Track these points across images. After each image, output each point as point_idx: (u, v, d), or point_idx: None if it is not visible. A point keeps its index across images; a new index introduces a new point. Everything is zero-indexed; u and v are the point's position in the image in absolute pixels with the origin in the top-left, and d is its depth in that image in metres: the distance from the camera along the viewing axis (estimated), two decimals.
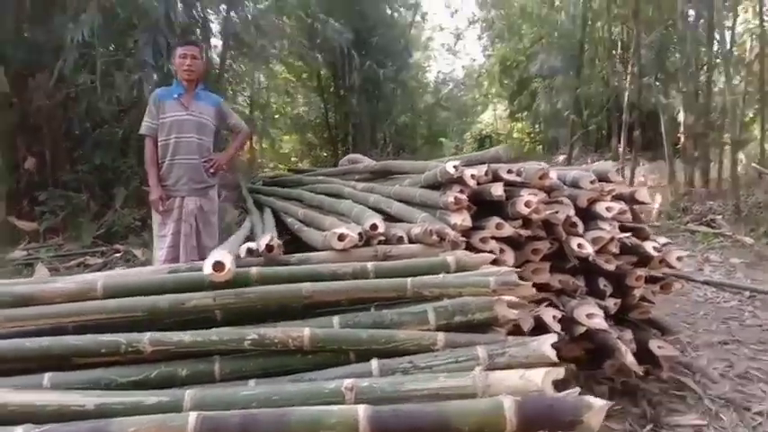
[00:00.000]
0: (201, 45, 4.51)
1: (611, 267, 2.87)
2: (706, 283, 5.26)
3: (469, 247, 2.72)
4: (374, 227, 2.64)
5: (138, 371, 1.81)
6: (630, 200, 3.00)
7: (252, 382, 1.84)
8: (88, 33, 5.96)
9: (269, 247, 2.39)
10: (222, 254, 1.97)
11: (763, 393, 2.92)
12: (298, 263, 2.50)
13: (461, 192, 2.81)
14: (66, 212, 6.79)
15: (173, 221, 3.91)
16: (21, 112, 6.86)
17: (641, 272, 2.93)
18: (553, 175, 2.98)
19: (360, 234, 2.61)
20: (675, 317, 4.22)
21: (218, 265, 1.94)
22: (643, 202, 2.99)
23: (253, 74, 18.10)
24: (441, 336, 1.96)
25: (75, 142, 7.22)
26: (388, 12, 17.03)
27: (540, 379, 1.71)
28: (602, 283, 2.93)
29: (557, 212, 2.81)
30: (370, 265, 2.29)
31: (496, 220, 2.74)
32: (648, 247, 2.89)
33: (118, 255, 6.22)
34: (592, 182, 2.92)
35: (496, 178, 2.88)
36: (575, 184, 2.99)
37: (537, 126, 21.02)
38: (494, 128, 25.18)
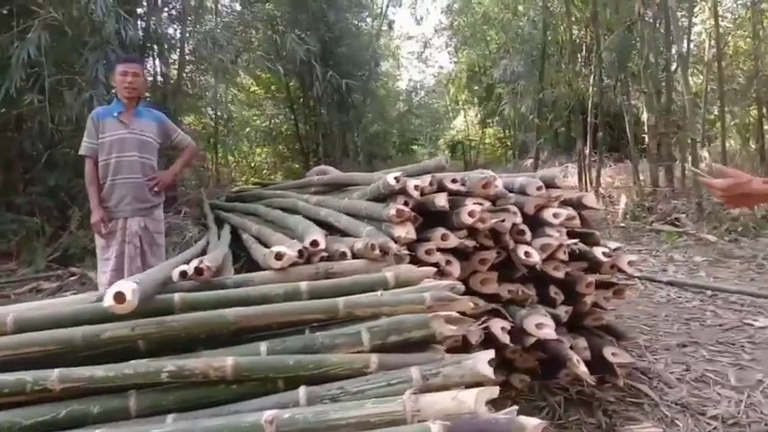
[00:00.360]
0: (142, 62, 4.35)
1: (559, 275, 2.82)
2: (669, 283, 5.26)
3: (415, 260, 2.65)
4: (315, 243, 2.55)
5: (46, 410, 1.69)
6: (579, 205, 2.95)
7: (170, 418, 1.73)
8: (34, 52, 5.79)
9: (198, 270, 2.28)
10: (125, 284, 1.84)
11: (719, 396, 2.88)
12: (234, 285, 2.39)
13: (405, 203, 2.74)
14: (19, 237, 6.57)
15: (116, 244, 3.76)
16: None
17: (591, 278, 2.88)
18: (499, 182, 2.92)
19: (300, 251, 2.52)
20: (637, 319, 4.20)
21: (119, 296, 1.82)
22: (591, 207, 2.94)
23: (216, 88, 17.97)
24: (374, 357, 1.87)
25: (28, 163, 7.01)
26: (355, 22, 16.99)
27: (472, 400, 1.63)
28: (552, 290, 2.87)
29: (503, 221, 2.74)
30: (303, 285, 2.19)
31: (442, 231, 2.67)
32: (597, 252, 2.84)
33: (73, 278, 6.05)
34: (538, 188, 2.87)
35: (441, 188, 2.81)
36: (522, 191, 2.94)
37: (506, 131, 21.17)
38: (466, 134, 25.27)
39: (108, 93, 6.10)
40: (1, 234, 6.44)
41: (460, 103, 25.17)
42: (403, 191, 2.76)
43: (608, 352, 2.85)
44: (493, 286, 2.77)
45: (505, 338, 2.59)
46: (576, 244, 2.79)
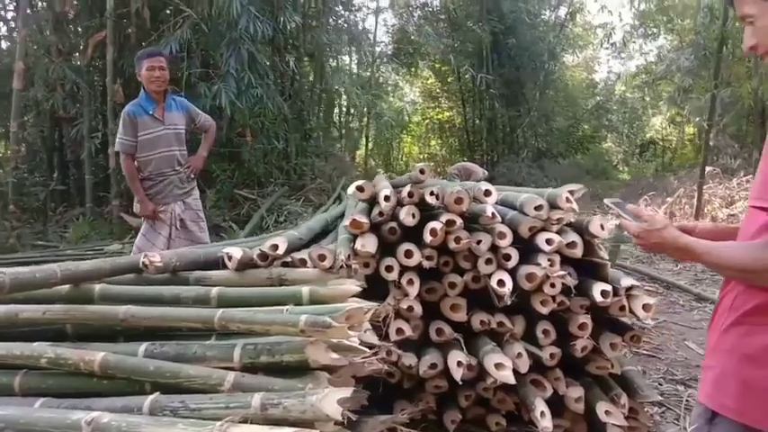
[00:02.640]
0: (166, 55, 4.53)
1: (543, 310, 2.44)
2: None
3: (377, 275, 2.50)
4: (274, 247, 2.51)
5: None
6: (586, 231, 2.51)
7: (39, 402, 1.85)
8: (176, 48, 6.48)
9: (148, 264, 2.37)
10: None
11: None
12: (194, 281, 2.47)
13: (380, 214, 2.57)
14: None
15: (165, 227, 4.05)
16: None
17: (583, 319, 2.44)
18: (492, 197, 2.61)
19: (263, 254, 2.51)
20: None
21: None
22: (595, 236, 2.48)
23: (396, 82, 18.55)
24: (230, 376, 1.81)
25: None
26: (532, 10, 16.24)
27: None
28: (541, 328, 2.49)
29: (479, 242, 2.45)
30: (214, 290, 2.19)
31: (406, 246, 2.46)
32: (595, 290, 2.40)
33: None
34: (537, 208, 2.49)
35: (422, 201, 2.58)
36: (522, 210, 2.58)
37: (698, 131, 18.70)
38: (665, 133, 22.76)
39: (237, 85, 6.62)
40: None
41: (664, 97, 22.75)
42: (373, 201, 2.59)
43: (601, 409, 2.40)
44: (461, 314, 2.49)
45: (458, 374, 2.32)
46: (562, 276, 2.38)
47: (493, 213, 2.48)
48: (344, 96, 10.44)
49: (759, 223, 1.22)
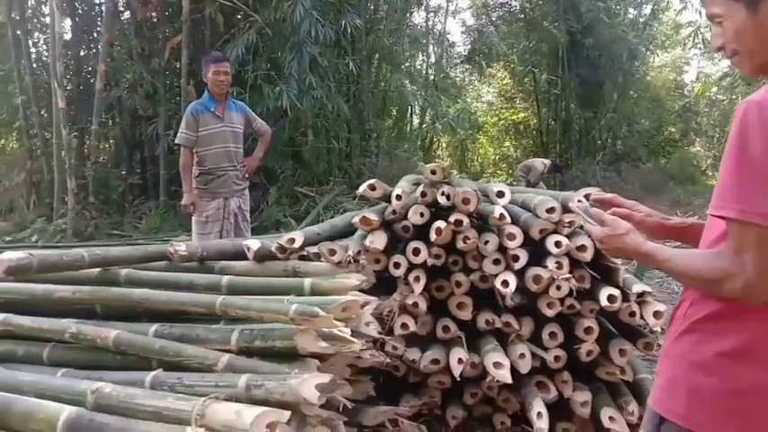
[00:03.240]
0: (230, 60, 4.90)
1: (549, 312, 2.43)
2: None
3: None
4: (291, 240, 2.65)
5: None
6: None
7: (61, 371, 2.06)
8: (242, 51, 6.81)
9: (174, 252, 2.56)
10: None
11: None
12: (219, 271, 2.64)
13: (393, 213, 2.65)
14: None
15: (217, 220, 4.32)
16: None
17: (590, 323, 2.41)
18: (504, 199, 2.62)
19: (282, 247, 2.65)
20: None
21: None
22: None
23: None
24: (224, 358, 1.95)
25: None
26: (612, 9, 15.70)
27: (250, 419, 1.63)
28: (548, 330, 2.49)
29: (486, 243, 2.47)
30: (225, 279, 2.34)
31: (414, 244, 2.53)
32: (603, 295, 2.36)
33: None
34: (548, 210, 2.49)
35: (434, 201, 2.64)
36: (534, 212, 2.58)
37: None
38: None
39: (298, 87, 6.87)
40: None
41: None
42: (385, 199, 2.67)
43: (605, 415, 2.37)
44: (467, 312, 2.52)
45: (457, 371, 2.36)
46: (567, 279, 2.36)
47: (501, 215, 2.49)
48: (410, 98, 10.50)
49: (717, 232, 1.21)
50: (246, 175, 4.49)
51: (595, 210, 1.50)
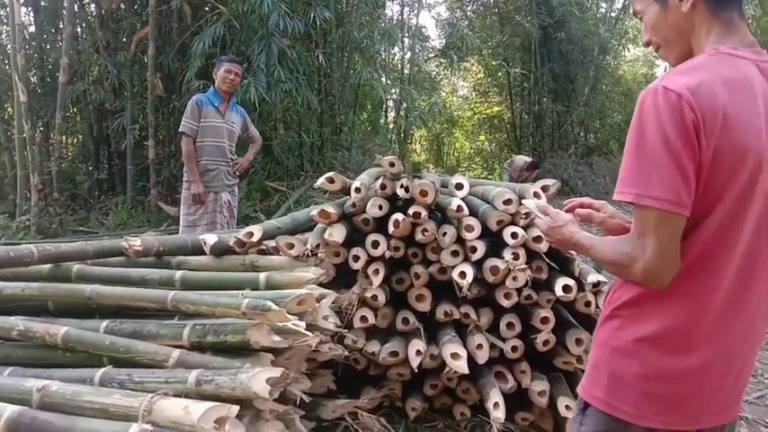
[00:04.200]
0: (242, 63, 5.07)
1: (506, 303, 2.44)
2: None
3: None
4: (250, 234, 2.62)
5: None
6: None
7: (8, 370, 2.01)
8: (209, 43, 6.71)
9: (128, 248, 2.52)
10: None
11: None
12: (176, 266, 2.60)
13: (352, 206, 2.63)
14: None
15: (207, 213, 4.40)
16: (177, 111, 7.98)
17: (546, 313, 2.44)
18: (463, 191, 2.63)
19: (240, 241, 2.62)
20: None
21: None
22: None
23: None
24: (175, 353, 1.92)
25: None
26: (580, 5, 15.83)
27: (198, 415, 1.61)
28: (505, 320, 2.50)
29: (444, 234, 2.48)
30: (178, 273, 2.31)
31: (373, 237, 2.52)
32: (558, 285, 2.39)
33: None
34: (505, 202, 2.50)
35: (394, 194, 2.63)
36: (492, 203, 2.59)
37: None
38: None
39: (267, 80, 6.79)
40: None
41: None
42: (345, 192, 2.66)
43: (561, 403, 2.40)
44: (426, 304, 2.53)
45: (414, 362, 2.37)
46: (523, 270, 2.38)
47: (459, 206, 2.50)
48: (383, 91, 10.47)
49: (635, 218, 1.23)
50: (237, 173, 4.62)
51: (541, 203, 1.51)
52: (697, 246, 1.14)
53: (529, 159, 8.35)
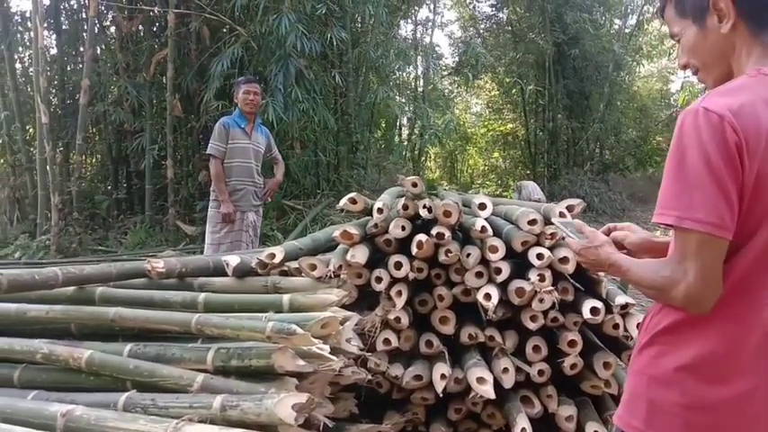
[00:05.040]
0: (260, 83, 5.21)
1: (532, 326, 2.40)
2: None
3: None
4: (271, 256, 2.61)
5: None
6: None
7: (32, 394, 2.00)
8: (228, 65, 6.79)
9: (151, 270, 2.51)
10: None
11: None
12: (198, 287, 2.59)
13: (375, 226, 2.62)
14: None
15: (232, 232, 4.52)
16: (195, 132, 8.06)
17: (573, 335, 2.39)
18: (486, 211, 2.60)
19: (262, 263, 2.61)
20: None
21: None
22: None
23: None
24: (199, 378, 1.91)
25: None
26: (598, 21, 15.86)
27: None
28: (531, 343, 2.46)
29: (468, 255, 2.45)
30: (201, 296, 2.29)
31: (396, 258, 2.50)
32: (586, 307, 2.34)
33: None
34: (530, 222, 2.47)
35: (416, 215, 2.61)
36: (516, 224, 2.56)
37: None
38: None
39: (284, 100, 6.85)
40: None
41: None
42: (367, 212, 2.64)
43: (590, 429, 2.34)
44: (450, 327, 2.49)
45: (439, 386, 2.33)
46: (550, 292, 2.34)
47: (483, 227, 2.47)
48: (398, 110, 10.51)
49: (672, 240, 1.20)
50: (270, 198, 4.84)
51: (577, 221, 1.49)
52: (738, 270, 1.11)
53: (537, 195, 8.22)
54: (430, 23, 13.37)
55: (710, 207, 1.04)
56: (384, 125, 12.16)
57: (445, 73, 16.66)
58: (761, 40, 1.17)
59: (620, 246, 1.41)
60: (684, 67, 1.30)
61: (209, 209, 4.64)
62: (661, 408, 1.17)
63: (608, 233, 1.47)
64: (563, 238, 2.40)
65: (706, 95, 1.14)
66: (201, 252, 7.02)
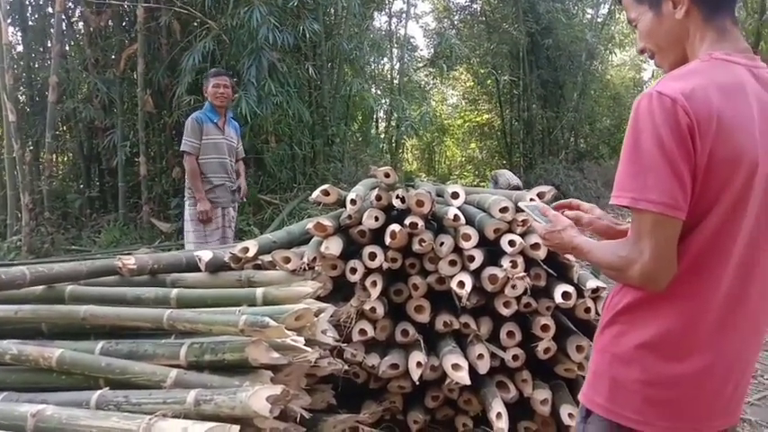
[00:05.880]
0: (231, 75, 5.00)
1: (505, 311, 2.43)
2: None
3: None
4: (245, 250, 2.59)
5: None
6: None
7: (1, 395, 1.97)
8: (199, 59, 6.71)
9: (122, 266, 2.48)
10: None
11: None
12: (171, 283, 2.57)
13: (349, 218, 2.62)
14: None
15: (216, 229, 4.47)
16: (168, 127, 7.95)
17: (546, 320, 2.42)
18: (459, 200, 2.62)
19: (235, 256, 2.59)
20: None
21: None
22: None
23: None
24: (173, 373, 1.90)
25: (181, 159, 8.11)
26: (566, 11, 15.97)
27: None
28: (505, 329, 2.48)
29: (441, 244, 2.46)
30: (174, 291, 2.28)
31: (370, 249, 2.50)
32: (557, 292, 2.37)
33: None
34: (502, 210, 2.49)
35: (389, 205, 2.62)
36: (489, 211, 2.58)
37: None
38: None
39: (257, 94, 6.78)
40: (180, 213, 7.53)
41: None
42: (340, 204, 2.64)
43: (565, 411, 2.38)
44: (425, 315, 2.51)
45: (415, 374, 2.34)
46: (522, 278, 2.37)
47: (456, 215, 2.48)
48: (374, 102, 10.49)
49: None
50: (244, 198, 4.81)
51: (542, 204, 1.51)
52: (693, 249, 1.15)
53: (515, 181, 8.27)
54: (404, 15, 13.33)
55: (664, 188, 1.07)
56: (360, 118, 12.11)
57: (420, 65, 16.64)
58: (714, 25, 1.19)
59: (577, 223, 1.44)
60: (642, 52, 1.33)
61: (187, 207, 4.52)
62: (623, 385, 1.20)
63: (560, 208, 1.49)
64: (530, 226, 2.43)
65: (660, 80, 1.16)
66: (178, 250, 6.95)
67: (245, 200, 4.71)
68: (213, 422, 1.63)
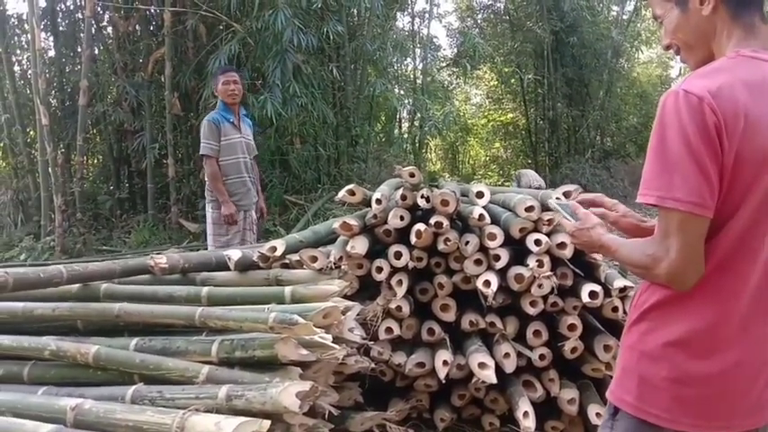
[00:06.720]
0: (240, 71, 4.96)
1: (531, 311, 2.43)
2: None
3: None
4: (273, 249, 2.64)
5: None
6: None
7: (41, 389, 2.04)
8: (225, 61, 6.80)
9: (154, 265, 2.55)
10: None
11: None
12: (201, 282, 2.63)
13: (374, 217, 2.64)
14: None
15: (238, 232, 4.33)
16: (195, 129, 8.08)
17: (573, 320, 2.42)
18: (483, 199, 2.62)
19: (263, 256, 2.63)
20: None
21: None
22: None
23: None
24: (205, 369, 1.95)
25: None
26: (591, 8, 15.79)
27: (229, 430, 1.62)
28: (532, 328, 2.49)
29: (467, 243, 2.47)
30: (204, 290, 2.33)
31: (396, 248, 2.53)
32: (584, 291, 2.37)
33: None
34: (527, 209, 2.49)
35: (415, 205, 2.64)
36: (514, 211, 2.58)
37: None
38: None
39: (282, 96, 6.86)
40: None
41: None
42: (366, 204, 2.67)
43: (592, 411, 2.37)
44: (451, 314, 2.52)
45: (442, 373, 2.36)
46: (549, 277, 2.36)
47: (481, 215, 2.49)
48: (397, 102, 10.52)
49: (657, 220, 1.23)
50: (266, 216, 4.82)
51: (572, 202, 1.51)
52: (720, 248, 1.14)
53: (537, 182, 8.23)
54: (427, 15, 13.32)
55: (691, 187, 1.07)
56: (383, 118, 12.14)
57: (443, 64, 16.60)
58: (741, 21, 1.19)
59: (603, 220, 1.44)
60: (667, 48, 1.32)
61: (210, 211, 4.41)
62: (651, 382, 1.20)
63: (584, 203, 1.49)
64: (559, 224, 2.43)
65: (686, 77, 1.16)
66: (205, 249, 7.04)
67: (265, 222, 4.55)
68: (245, 417, 1.66)
